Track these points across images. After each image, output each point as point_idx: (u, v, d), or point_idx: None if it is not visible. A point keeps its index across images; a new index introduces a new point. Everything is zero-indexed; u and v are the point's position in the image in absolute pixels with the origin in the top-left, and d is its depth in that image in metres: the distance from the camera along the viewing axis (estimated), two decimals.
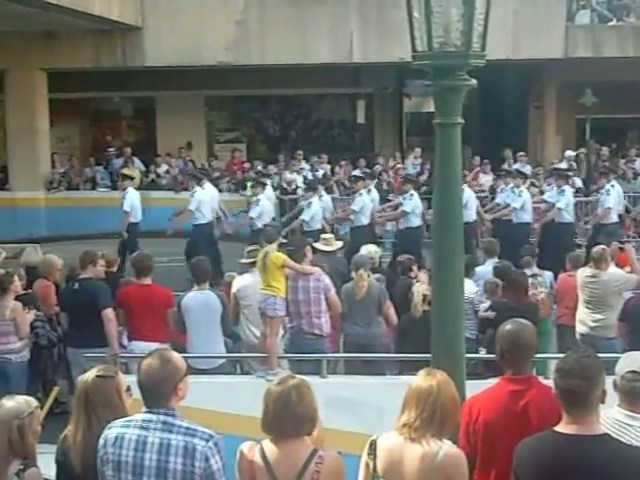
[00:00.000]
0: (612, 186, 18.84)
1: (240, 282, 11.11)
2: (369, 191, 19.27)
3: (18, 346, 10.87)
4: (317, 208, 18.72)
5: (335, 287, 10.71)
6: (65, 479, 5.39)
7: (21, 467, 5.00)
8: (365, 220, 18.62)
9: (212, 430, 4.89)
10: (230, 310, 10.79)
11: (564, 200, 18.32)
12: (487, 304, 11.34)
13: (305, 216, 18.47)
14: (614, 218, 18.69)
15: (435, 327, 5.77)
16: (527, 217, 18.74)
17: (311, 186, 19.91)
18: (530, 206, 18.81)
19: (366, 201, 18.76)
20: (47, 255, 12.81)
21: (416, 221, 18.36)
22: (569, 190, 18.93)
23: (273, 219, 19.65)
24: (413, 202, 18.29)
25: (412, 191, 18.50)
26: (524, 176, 20.09)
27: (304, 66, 25.31)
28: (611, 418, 4.86)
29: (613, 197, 18.63)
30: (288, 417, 4.83)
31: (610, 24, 26.02)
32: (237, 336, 10.96)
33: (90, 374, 5.42)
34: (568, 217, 18.48)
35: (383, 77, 28.30)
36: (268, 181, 21.75)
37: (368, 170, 23.64)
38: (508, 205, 18.83)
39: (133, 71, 26.30)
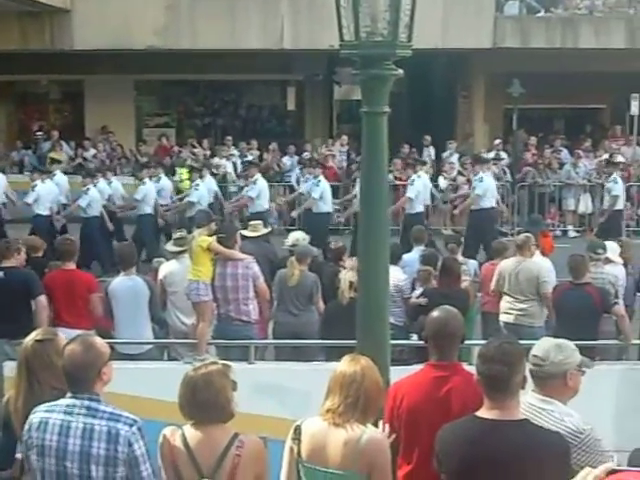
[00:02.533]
0: (418, 176, 19.24)
1: (167, 268, 11.10)
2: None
3: None
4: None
5: (263, 274, 10.72)
6: (9, 442, 5.49)
7: None
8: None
9: (138, 416, 4.91)
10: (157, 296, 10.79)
11: (482, 186, 18.75)
12: (419, 291, 11.42)
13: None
14: (418, 208, 19.05)
15: (360, 313, 5.83)
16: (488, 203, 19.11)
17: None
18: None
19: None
20: None
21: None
22: (487, 177, 19.28)
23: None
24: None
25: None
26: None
27: (234, 52, 25.25)
28: (526, 402, 4.95)
29: (416, 187, 19.03)
30: (195, 403, 4.89)
31: (538, 15, 26.35)
32: (164, 322, 10.93)
33: (29, 339, 5.49)
34: (488, 203, 18.87)
35: (313, 64, 28.32)
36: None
37: (297, 157, 23.81)
38: None
39: (61, 54, 25.95)
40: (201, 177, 19.69)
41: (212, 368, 4.97)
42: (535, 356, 5.06)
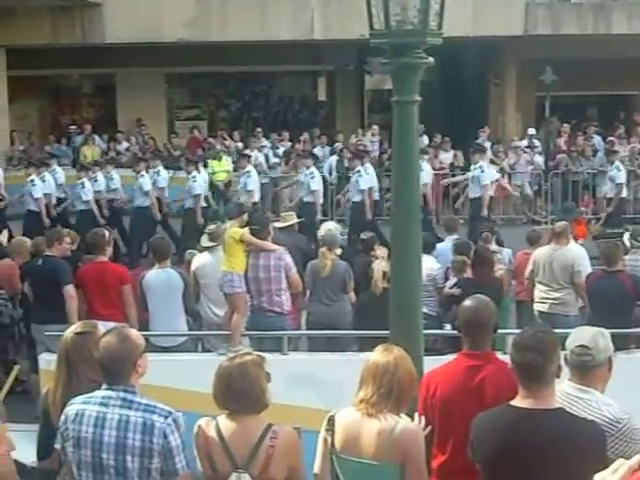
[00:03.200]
0: (365, 170, 19.08)
1: (199, 260, 11.14)
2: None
3: None
4: None
5: (296, 265, 10.72)
6: (48, 433, 5.51)
7: None
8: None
9: (173, 408, 4.93)
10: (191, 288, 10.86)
11: (486, 175, 18.73)
12: (453, 281, 11.37)
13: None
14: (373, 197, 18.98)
15: (393, 303, 5.83)
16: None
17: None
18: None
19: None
20: (18, 237, 12.83)
21: None
22: (488, 166, 19.31)
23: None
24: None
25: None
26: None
27: (265, 43, 25.24)
28: (562, 392, 4.92)
29: (365, 180, 18.89)
30: (230, 393, 4.89)
31: (570, 1, 26.15)
32: (197, 314, 10.97)
33: (69, 332, 5.56)
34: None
35: (344, 54, 28.29)
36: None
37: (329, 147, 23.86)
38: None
39: (92, 48, 26.06)
40: (197, 169, 19.74)
41: (247, 358, 4.98)
42: (582, 346, 5.00)
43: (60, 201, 20.04)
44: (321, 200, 19.39)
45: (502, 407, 4.77)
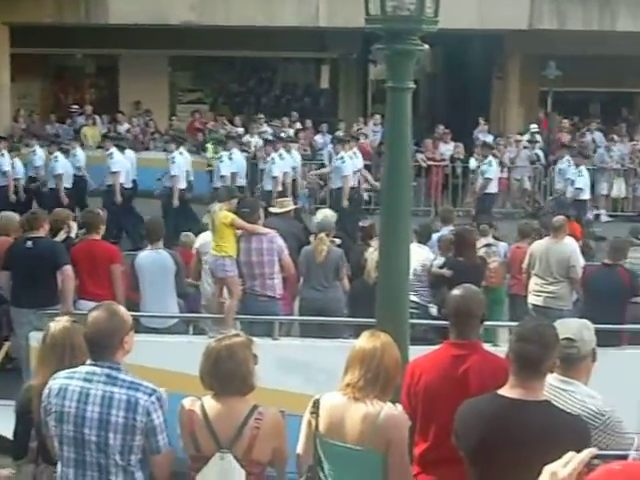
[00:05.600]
0: (279, 155, 19.19)
1: (202, 239, 11.23)
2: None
3: None
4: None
5: (290, 250, 10.68)
6: (23, 432, 5.50)
7: None
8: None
9: (163, 388, 4.94)
10: (192, 266, 11.01)
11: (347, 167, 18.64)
12: (442, 260, 11.32)
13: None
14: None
15: (380, 289, 5.82)
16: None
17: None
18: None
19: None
20: (5, 212, 12.74)
21: None
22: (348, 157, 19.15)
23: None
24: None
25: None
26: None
27: (269, 28, 25.17)
28: (547, 384, 4.91)
29: (278, 166, 18.94)
30: (217, 374, 4.90)
31: None
32: (190, 294, 11.04)
33: (65, 321, 5.49)
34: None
35: (349, 42, 28.14)
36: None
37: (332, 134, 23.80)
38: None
39: (96, 28, 25.97)
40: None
41: (236, 340, 4.99)
42: (568, 339, 5.00)
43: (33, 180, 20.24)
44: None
45: (489, 395, 4.73)
